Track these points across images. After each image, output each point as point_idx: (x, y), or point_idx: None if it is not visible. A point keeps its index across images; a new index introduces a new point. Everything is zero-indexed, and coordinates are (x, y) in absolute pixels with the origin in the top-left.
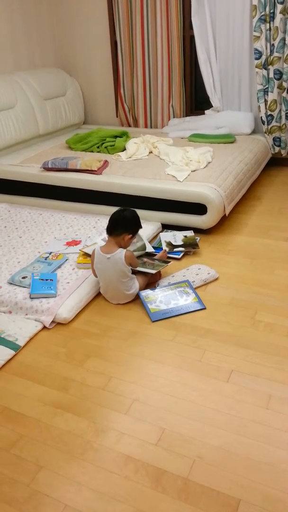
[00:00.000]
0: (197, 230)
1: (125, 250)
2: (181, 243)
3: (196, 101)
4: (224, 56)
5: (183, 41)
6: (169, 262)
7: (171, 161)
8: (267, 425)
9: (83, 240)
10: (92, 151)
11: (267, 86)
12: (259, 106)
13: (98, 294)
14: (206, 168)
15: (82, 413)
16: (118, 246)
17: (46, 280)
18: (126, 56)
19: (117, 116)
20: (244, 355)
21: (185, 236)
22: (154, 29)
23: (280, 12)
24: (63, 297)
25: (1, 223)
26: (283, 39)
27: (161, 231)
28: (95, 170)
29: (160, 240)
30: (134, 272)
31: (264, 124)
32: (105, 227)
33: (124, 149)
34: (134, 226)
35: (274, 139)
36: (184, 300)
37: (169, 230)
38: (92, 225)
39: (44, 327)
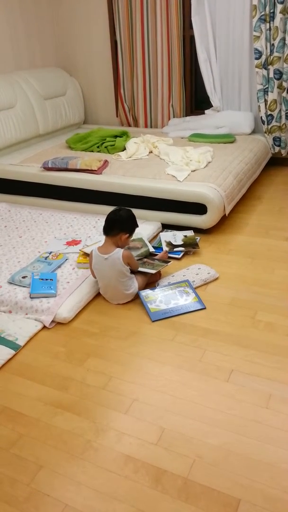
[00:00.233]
0: (197, 230)
1: (122, 249)
2: (181, 243)
3: (196, 101)
4: (224, 56)
5: (183, 40)
6: (169, 262)
7: (171, 161)
8: (267, 424)
9: (83, 240)
10: (92, 151)
11: (267, 86)
12: (259, 106)
13: (98, 294)
14: (206, 168)
15: (82, 413)
16: (116, 246)
17: (46, 279)
18: (126, 56)
19: (117, 116)
20: (244, 354)
21: (185, 236)
22: (154, 28)
23: (280, 12)
24: (63, 296)
25: (1, 222)
26: (283, 39)
27: (161, 231)
28: (95, 170)
29: (160, 240)
30: (134, 272)
31: (264, 124)
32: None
33: (124, 149)
34: (130, 225)
35: (274, 139)
36: (184, 300)
37: (169, 230)
38: (92, 224)
39: (44, 327)
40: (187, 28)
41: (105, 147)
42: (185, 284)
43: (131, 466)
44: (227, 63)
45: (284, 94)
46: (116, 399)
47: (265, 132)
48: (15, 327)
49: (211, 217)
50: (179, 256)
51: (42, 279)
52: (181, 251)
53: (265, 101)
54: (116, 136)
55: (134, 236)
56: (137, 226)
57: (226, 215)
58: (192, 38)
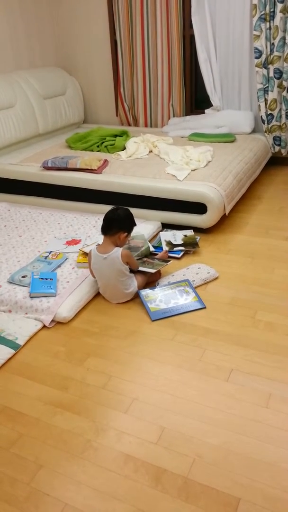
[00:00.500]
0: (197, 229)
1: (121, 248)
2: (181, 242)
3: (196, 100)
4: (224, 55)
5: (183, 40)
6: (169, 261)
7: (171, 160)
8: (267, 424)
9: (83, 239)
10: (92, 150)
11: (267, 85)
12: (259, 105)
13: (98, 293)
14: (206, 167)
15: (82, 412)
16: (114, 245)
17: (46, 279)
18: (126, 55)
19: (117, 115)
20: (244, 354)
21: (185, 235)
22: (154, 28)
23: (280, 11)
24: (63, 296)
25: (1, 222)
26: (283, 38)
27: (161, 230)
28: (95, 169)
29: (160, 239)
30: (133, 271)
31: (264, 123)
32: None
33: (124, 148)
34: (128, 224)
35: (274, 138)
36: (184, 299)
37: (169, 229)
38: (92, 224)
39: (44, 326)
40: (187, 27)
41: (105, 146)
42: (185, 283)
43: (131, 465)
44: (227, 63)
45: (284, 93)
46: (116, 399)
47: (265, 132)
48: (15, 327)
49: (211, 217)
50: (179, 256)
51: (42, 278)
52: (181, 251)
53: (265, 100)
54: (116, 136)
55: (135, 234)
56: (135, 224)
57: (226, 214)
58: (192, 37)
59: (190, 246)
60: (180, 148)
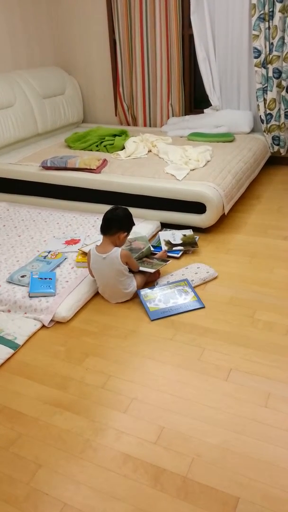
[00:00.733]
0: (196, 229)
1: (120, 248)
2: (180, 242)
3: (195, 100)
4: (223, 55)
5: (182, 39)
6: (168, 261)
7: (170, 160)
8: (266, 423)
9: (82, 239)
10: (91, 150)
11: (266, 85)
12: (258, 105)
13: (97, 293)
14: (205, 167)
15: (81, 412)
16: (114, 245)
17: (45, 279)
18: (125, 55)
19: (116, 115)
20: (243, 353)
21: (184, 235)
22: (153, 27)
23: (279, 11)
24: (62, 295)
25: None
26: (282, 37)
27: (160, 230)
28: (94, 169)
29: (159, 239)
30: (132, 271)
31: (263, 123)
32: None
33: (123, 148)
34: (128, 223)
35: (273, 138)
36: (183, 299)
37: (168, 229)
38: (91, 224)
39: (43, 326)
40: (186, 27)
41: (104, 146)
42: (184, 283)
43: (130, 465)
44: (226, 62)
45: (283, 93)
46: (115, 398)
47: (264, 131)
48: (14, 326)
49: (210, 216)
50: (178, 255)
51: (41, 278)
52: (180, 250)
53: (264, 100)
54: (115, 135)
55: (136, 235)
56: (134, 224)
57: (225, 214)
58: (191, 37)
59: (189, 246)
60: (179, 148)
